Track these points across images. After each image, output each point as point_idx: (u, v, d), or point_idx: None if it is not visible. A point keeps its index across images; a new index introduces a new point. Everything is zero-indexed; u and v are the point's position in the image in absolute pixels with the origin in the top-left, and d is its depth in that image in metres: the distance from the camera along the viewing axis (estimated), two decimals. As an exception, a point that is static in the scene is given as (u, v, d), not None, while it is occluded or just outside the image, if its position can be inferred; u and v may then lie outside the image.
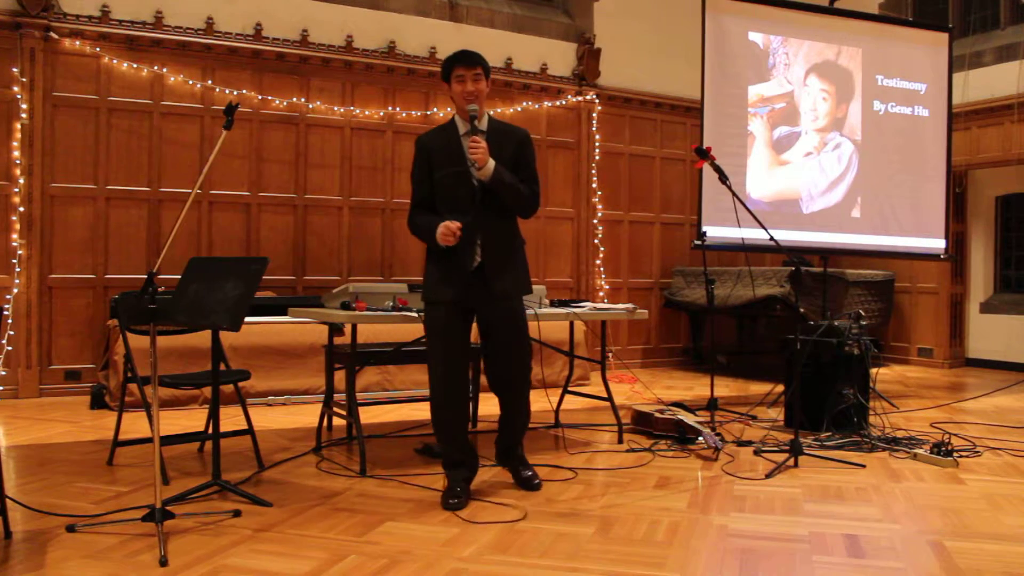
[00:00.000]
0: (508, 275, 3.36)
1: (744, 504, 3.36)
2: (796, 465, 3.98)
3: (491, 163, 3.26)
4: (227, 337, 4.73)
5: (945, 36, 6.50)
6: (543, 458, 4.07)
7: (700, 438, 4.40)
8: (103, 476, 3.72)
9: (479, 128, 3.28)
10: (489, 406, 5.56)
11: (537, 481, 3.52)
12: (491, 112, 8.03)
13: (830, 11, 6.50)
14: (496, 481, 3.69)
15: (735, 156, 5.80)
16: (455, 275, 3.29)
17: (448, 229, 3.21)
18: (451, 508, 3.21)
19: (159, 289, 2.99)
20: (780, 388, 5.63)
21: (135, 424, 4.59)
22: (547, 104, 7.74)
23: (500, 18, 7.76)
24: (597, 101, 7.97)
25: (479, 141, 3.22)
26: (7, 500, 2.90)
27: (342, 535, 2.92)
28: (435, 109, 7.34)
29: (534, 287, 3.91)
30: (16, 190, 5.90)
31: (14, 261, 5.90)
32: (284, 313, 4.77)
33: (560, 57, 7.98)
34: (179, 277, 3.24)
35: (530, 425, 4.93)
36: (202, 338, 4.03)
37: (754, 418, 5.26)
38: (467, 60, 3.35)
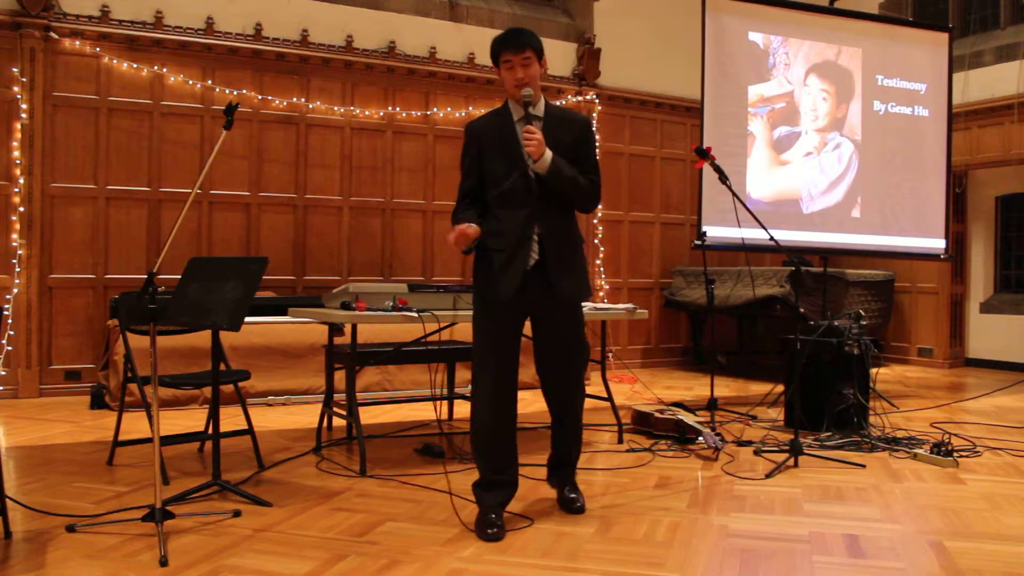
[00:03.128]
0: (570, 276, 3.04)
1: (744, 504, 3.36)
2: (796, 465, 3.98)
3: (548, 154, 2.94)
4: (227, 337, 4.72)
5: (945, 36, 6.50)
6: (543, 458, 4.06)
7: (700, 438, 4.40)
8: (103, 476, 3.72)
9: (534, 115, 2.97)
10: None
11: (579, 504, 3.22)
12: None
13: (830, 11, 6.49)
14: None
15: (735, 156, 5.80)
16: (510, 273, 2.96)
17: (458, 233, 2.90)
18: (490, 539, 2.86)
19: (159, 289, 2.99)
20: (780, 388, 5.62)
21: (135, 424, 4.58)
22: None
23: (500, 18, 7.76)
24: (597, 101, 7.97)
25: (533, 131, 2.91)
26: (7, 500, 2.90)
27: (342, 535, 2.92)
28: (435, 109, 7.33)
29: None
30: (16, 190, 5.90)
31: (14, 261, 5.89)
32: (284, 313, 4.77)
33: (560, 57, 7.98)
34: (179, 277, 3.25)
35: (529, 425, 4.94)
36: (202, 338, 4.02)
37: (754, 418, 5.26)
38: (514, 43, 2.99)
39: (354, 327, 4.12)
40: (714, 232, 5.70)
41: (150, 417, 3.50)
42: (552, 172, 2.97)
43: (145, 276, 2.98)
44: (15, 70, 5.89)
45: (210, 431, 3.55)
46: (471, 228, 2.94)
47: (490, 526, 2.90)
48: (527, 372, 6.50)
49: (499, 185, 3.02)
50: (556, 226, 3.05)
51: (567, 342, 3.15)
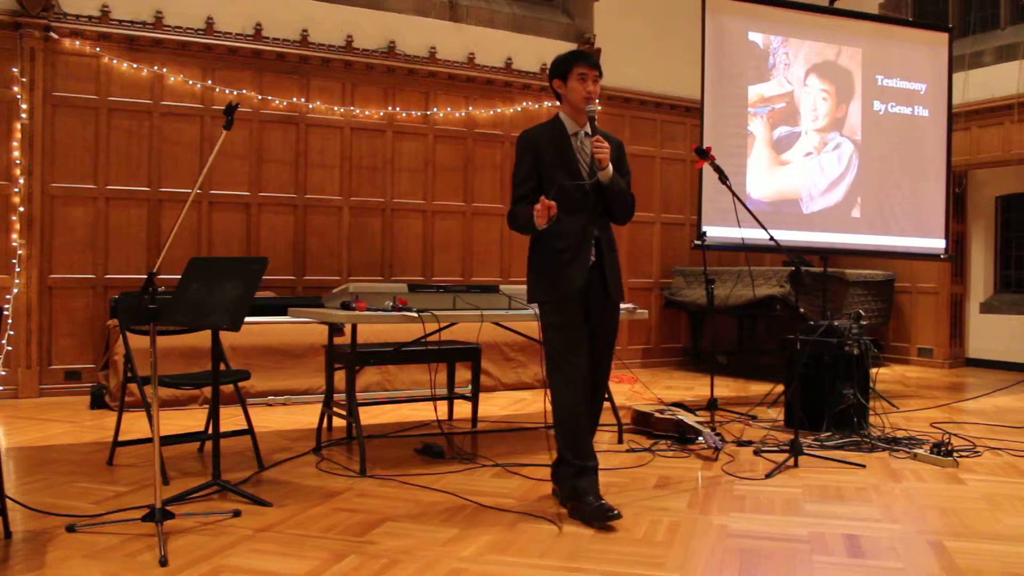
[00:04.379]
0: (618, 279, 3.30)
1: (744, 504, 3.36)
2: (796, 465, 3.98)
3: (611, 166, 3.18)
4: (227, 337, 4.73)
5: (945, 36, 6.50)
6: (542, 458, 4.06)
7: (700, 438, 4.40)
8: (103, 476, 3.72)
9: (598, 130, 3.19)
10: (488, 407, 5.57)
11: (615, 511, 3.26)
12: (491, 112, 7.99)
13: (830, 11, 6.50)
14: (497, 479, 3.68)
15: (735, 156, 5.80)
16: (576, 269, 3.17)
17: (544, 205, 3.04)
18: (612, 517, 2.99)
19: (159, 289, 2.99)
20: (780, 388, 5.62)
21: (135, 424, 4.58)
22: (547, 104, 7.73)
23: (500, 18, 7.76)
24: (597, 101, 7.95)
25: (603, 141, 3.15)
26: (7, 500, 2.90)
27: (342, 535, 2.92)
28: (435, 109, 7.33)
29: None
30: (16, 190, 5.90)
31: (14, 261, 5.89)
32: (284, 313, 4.77)
33: (560, 57, 7.97)
34: (179, 277, 3.25)
35: (530, 425, 4.95)
36: (202, 338, 4.02)
37: (754, 418, 5.26)
38: (590, 60, 3.27)
39: (354, 327, 4.12)
40: (714, 232, 5.70)
41: (150, 417, 3.50)
42: (613, 181, 3.20)
43: (145, 276, 2.97)
44: (15, 70, 5.89)
45: (210, 431, 3.55)
46: (552, 202, 3.07)
47: (608, 508, 3.01)
48: (528, 372, 6.51)
49: (559, 193, 3.17)
50: (606, 232, 3.30)
51: (608, 342, 3.34)
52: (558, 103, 3.37)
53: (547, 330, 3.23)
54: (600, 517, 3.01)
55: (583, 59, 3.27)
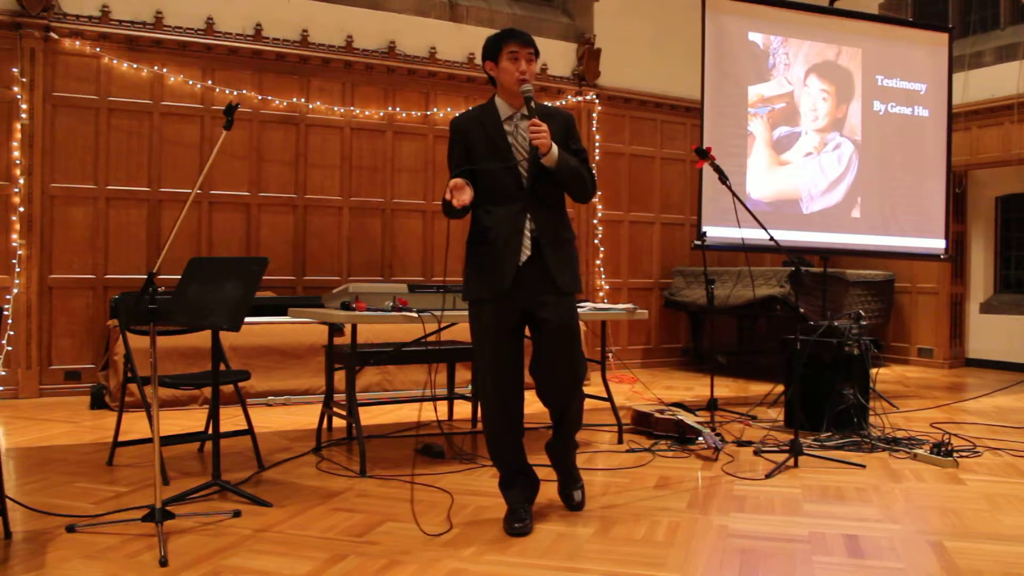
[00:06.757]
0: (565, 269, 3.03)
1: (744, 504, 3.36)
2: (796, 465, 3.98)
3: (554, 147, 2.93)
4: (227, 337, 4.73)
5: (945, 36, 6.50)
6: (543, 458, 4.06)
7: (700, 438, 4.40)
8: (103, 476, 3.72)
9: (535, 110, 2.95)
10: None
11: (577, 501, 3.28)
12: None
13: (830, 11, 6.50)
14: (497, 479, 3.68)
15: (735, 156, 5.80)
16: (501, 269, 2.95)
17: (455, 185, 2.84)
18: (517, 533, 2.91)
19: (159, 289, 2.99)
20: (780, 388, 5.62)
21: (135, 424, 4.58)
22: (547, 104, 7.72)
23: (500, 18, 7.76)
24: (597, 101, 7.97)
25: (540, 124, 2.88)
26: (7, 500, 2.90)
27: (342, 535, 2.92)
28: (435, 109, 7.33)
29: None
30: (16, 190, 5.90)
31: (14, 261, 5.89)
32: (284, 313, 4.77)
33: (560, 57, 7.98)
34: (179, 277, 3.25)
35: (530, 425, 4.94)
36: (202, 338, 4.02)
37: (754, 418, 5.26)
38: (522, 38, 3.02)
39: (354, 327, 4.12)
40: (714, 232, 5.70)
41: (150, 417, 3.50)
42: (560, 164, 2.97)
43: (145, 276, 2.97)
44: (15, 70, 5.89)
45: (210, 431, 3.55)
46: (467, 183, 2.90)
47: (517, 520, 2.97)
48: (527, 372, 6.51)
49: (490, 183, 3.01)
50: (547, 221, 3.03)
51: (564, 338, 3.06)
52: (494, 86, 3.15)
53: (472, 335, 3.08)
54: (507, 526, 2.98)
55: (514, 37, 3.02)
